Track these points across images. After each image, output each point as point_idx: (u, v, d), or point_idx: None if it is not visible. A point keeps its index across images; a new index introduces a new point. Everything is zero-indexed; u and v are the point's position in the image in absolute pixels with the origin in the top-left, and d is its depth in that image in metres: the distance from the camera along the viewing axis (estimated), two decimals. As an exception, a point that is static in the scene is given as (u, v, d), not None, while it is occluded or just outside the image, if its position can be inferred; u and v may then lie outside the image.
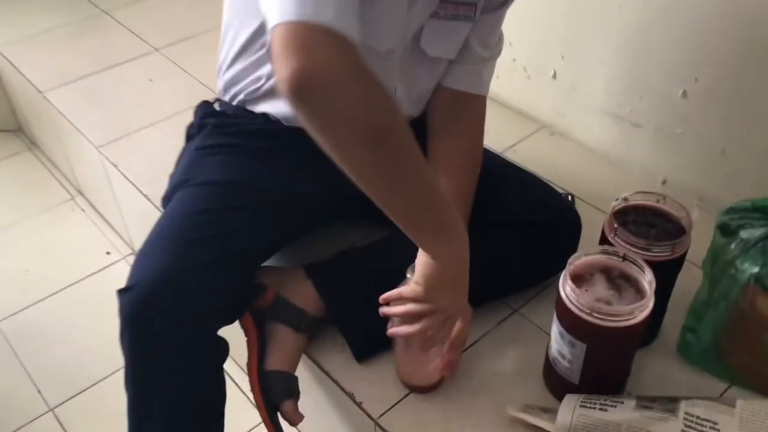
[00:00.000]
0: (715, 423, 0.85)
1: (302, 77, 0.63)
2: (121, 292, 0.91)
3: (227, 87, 1.09)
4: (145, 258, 0.94)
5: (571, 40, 1.38)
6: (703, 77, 1.19)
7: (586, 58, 1.37)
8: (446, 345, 0.96)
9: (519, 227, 1.07)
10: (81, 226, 1.78)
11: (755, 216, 0.95)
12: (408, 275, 0.91)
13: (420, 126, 1.11)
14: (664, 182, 1.34)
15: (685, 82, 1.22)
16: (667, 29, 1.21)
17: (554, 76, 1.45)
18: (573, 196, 1.30)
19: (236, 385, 1.30)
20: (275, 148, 1.05)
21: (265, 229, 1.01)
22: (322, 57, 0.64)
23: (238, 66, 1.05)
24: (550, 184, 1.18)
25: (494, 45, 1.07)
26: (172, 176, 1.12)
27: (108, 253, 1.70)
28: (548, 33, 1.42)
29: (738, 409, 0.86)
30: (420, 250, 0.88)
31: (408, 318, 0.92)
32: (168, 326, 0.90)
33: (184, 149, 1.15)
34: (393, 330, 0.94)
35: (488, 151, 1.19)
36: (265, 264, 1.07)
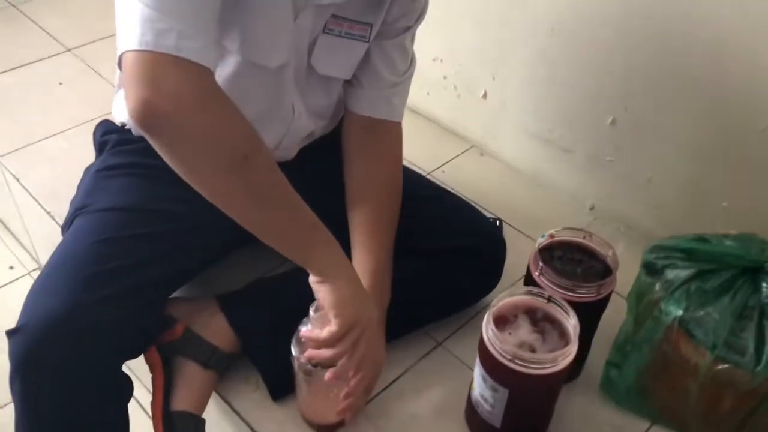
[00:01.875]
0: (637, 472, 0.83)
1: (147, 109, 0.63)
2: (11, 334, 0.83)
3: (119, 106, 1.02)
4: (37, 295, 0.85)
5: (502, 61, 1.35)
6: (633, 107, 1.18)
7: (518, 80, 1.34)
8: (344, 391, 0.91)
9: (443, 253, 1.04)
10: (-17, 238, 1.65)
11: (679, 256, 0.93)
12: (311, 313, 0.86)
13: (331, 144, 1.08)
14: (592, 208, 1.33)
15: (615, 110, 1.20)
16: (598, 57, 1.19)
17: (485, 95, 1.42)
18: (501, 221, 1.27)
19: (148, 416, 1.21)
20: None
21: (171, 257, 0.94)
22: (166, 88, 0.63)
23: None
24: (478, 207, 1.15)
25: (403, 70, 1.04)
26: (72, 200, 1.03)
27: (11, 267, 1.58)
28: (479, 52, 1.39)
29: (659, 457, 0.84)
30: (313, 284, 0.86)
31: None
32: (64, 371, 0.82)
33: (86, 170, 1.07)
34: (332, 373, 0.88)
35: (413, 172, 1.15)
36: (173, 294, 1.00)
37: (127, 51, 0.65)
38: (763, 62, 1.00)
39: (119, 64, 0.68)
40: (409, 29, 1.01)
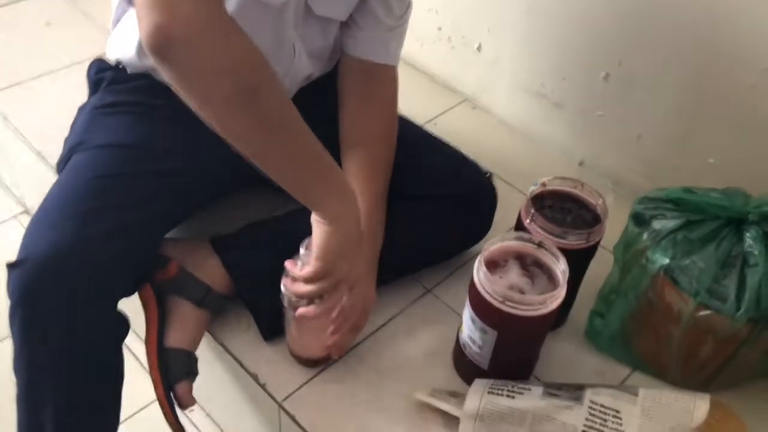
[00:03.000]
0: (618, 411, 0.86)
1: (161, 33, 0.62)
2: (11, 267, 0.83)
3: (117, 45, 1.00)
4: (38, 229, 0.86)
5: (497, 14, 1.35)
6: (627, 61, 1.19)
7: (512, 34, 1.34)
8: (331, 327, 0.93)
9: (434, 198, 1.05)
10: (-33, 180, 1.63)
11: (668, 207, 0.96)
12: (302, 250, 0.87)
13: (326, 86, 1.07)
14: (581, 163, 1.34)
15: (609, 65, 1.21)
16: (593, 11, 1.20)
17: (479, 48, 1.42)
18: (491, 173, 1.28)
19: (135, 358, 1.23)
20: (179, 107, 0.97)
21: (169, 196, 0.94)
22: (180, 13, 0.62)
23: (125, 22, 0.97)
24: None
25: (400, 14, 1.03)
26: (67, 138, 1.02)
27: (-4, 210, 1.57)
28: (475, 4, 1.38)
29: (640, 398, 0.87)
30: (314, 221, 0.84)
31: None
32: (64, 303, 0.83)
33: (80, 109, 1.06)
34: (302, 311, 0.90)
35: (405, 120, 1.16)
36: (168, 235, 1.00)
37: None
38: (753, 19, 1.01)
39: None
40: None
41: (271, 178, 0.77)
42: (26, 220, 1.49)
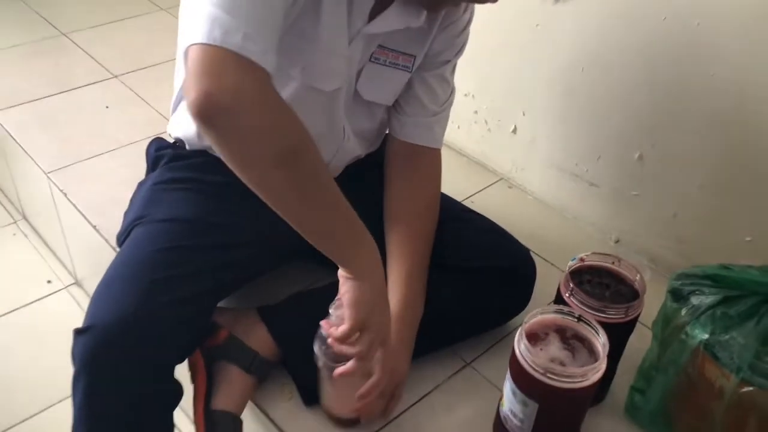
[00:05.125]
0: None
1: (207, 101, 0.66)
2: (78, 333, 0.87)
3: (179, 123, 1.07)
4: (103, 298, 0.90)
5: (532, 97, 1.41)
6: (660, 142, 1.22)
7: (547, 115, 1.40)
8: (358, 393, 0.94)
9: (475, 270, 1.08)
10: (22, 251, 1.71)
11: (705, 283, 0.97)
12: (331, 310, 0.90)
13: (370, 163, 1.13)
14: (617, 241, 1.36)
15: (642, 146, 1.25)
16: (625, 95, 1.25)
17: (514, 130, 1.47)
18: (528, 250, 1.31)
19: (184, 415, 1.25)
20: (237, 183, 1.03)
21: (226, 269, 0.99)
22: (227, 81, 0.67)
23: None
24: (507, 233, 1.19)
25: (444, 100, 1.10)
26: (127, 213, 1.08)
27: (49, 281, 1.62)
28: (511, 88, 1.45)
29: (684, 476, 0.87)
30: (342, 278, 0.87)
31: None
32: (128, 372, 0.86)
33: (140, 184, 1.12)
34: (340, 370, 0.92)
35: (446, 196, 1.20)
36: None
37: (193, 44, 0.68)
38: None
39: (184, 58, 0.71)
40: (450, 62, 1.07)
41: (301, 233, 0.80)
42: (76, 292, 1.56)
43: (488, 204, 1.46)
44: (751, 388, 0.89)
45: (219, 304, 1.04)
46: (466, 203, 1.45)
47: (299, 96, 0.94)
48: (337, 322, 0.90)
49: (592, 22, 1.24)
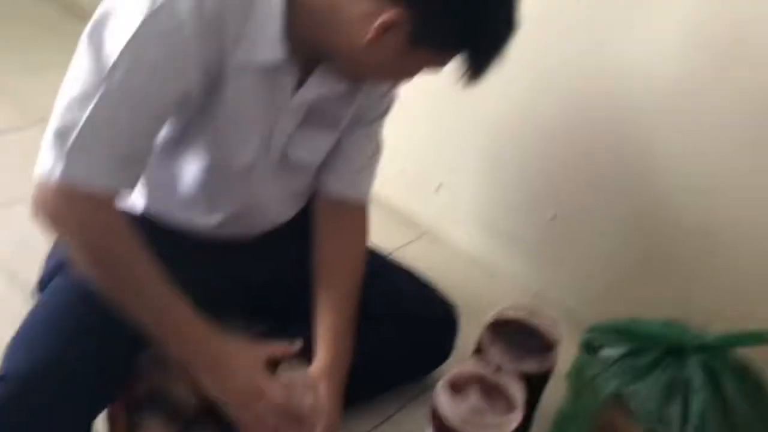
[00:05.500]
0: None
1: (35, 203, 0.83)
2: None
3: None
4: (18, 348, 0.89)
5: (455, 157, 1.48)
6: (572, 204, 1.31)
7: (468, 174, 1.47)
8: None
9: (399, 322, 1.10)
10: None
11: (615, 336, 1.02)
12: None
13: (299, 224, 1.13)
14: (534, 296, 1.42)
15: (556, 207, 1.33)
16: (541, 162, 1.34)
17: (438, 188, 1.53)
18: (451, 303, 1.35)
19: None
20: (159, 239, 1.03)
21: None
22: (68, 210, 0.83)
23: None
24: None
25: (370, 155, 1.12)
26: (48, 259, 1.06)
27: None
28: (435, 147, 1.51)
29: None
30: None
31: None
32: (40, 421, 0.84)
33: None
34: None
35: (372, 249, 1.22)
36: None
37: (42, 173, 0.81)
38: (681, 179, 1.14)
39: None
40: (377, 120, 1.10)
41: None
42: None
43: (413, 258, 1.49)
44: (656, 436, 0.94)
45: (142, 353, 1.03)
46: (393, 257, 1.49)
47: (211, 173, 0.96)
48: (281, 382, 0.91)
49: (514, 92, 1.32)
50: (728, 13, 1.05)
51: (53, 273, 0.99)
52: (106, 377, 0.90)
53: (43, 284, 1.01)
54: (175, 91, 0.84)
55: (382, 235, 1.52)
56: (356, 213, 1.14)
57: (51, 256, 1.06)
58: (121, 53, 0.80)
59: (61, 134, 0.82)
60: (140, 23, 0.79)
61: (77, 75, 0.83)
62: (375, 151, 1.13)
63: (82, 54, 0.83)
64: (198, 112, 0.89)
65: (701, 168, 1.13)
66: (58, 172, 0.81)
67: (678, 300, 1.20)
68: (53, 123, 0.83)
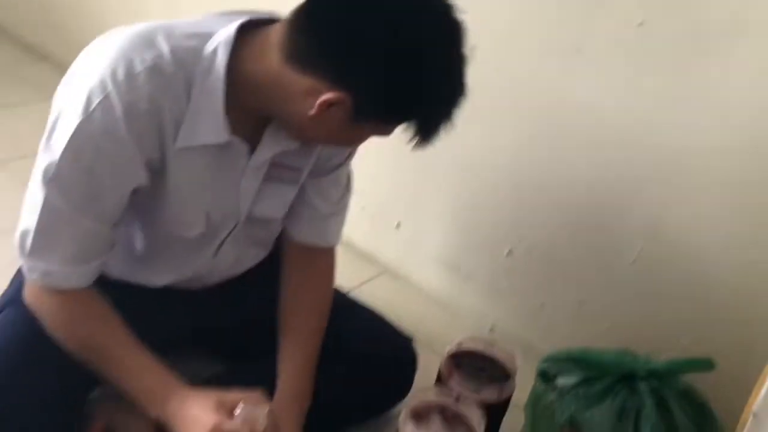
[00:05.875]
0: None
1: (32, 309, 0.93)
2: None
3: None
4: None
5: (415, 196, 1.53)
6: (526, 240, 1.36)
7: (427, 213, 1.52)
8: None
9: (359, 359, 1.12)
10: None
11: (569, 365, 1.07)
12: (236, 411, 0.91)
13: (260, 268, 1.15)
14: (491, 329, 1.47)
15: (511, 242, 1.38)
16: (496, 199, 1.39)
17: (398, 226, 1.58)
18: (412, 338, 1.38)
19: None
20: (120, 291, 1.04)
21: None
22: (36, 300, 0.93)
23: None
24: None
25: (337, 200, 1.12)
26: (4, 293, 1.06)
27: None
28: (395, 187, 1.56)
29: None
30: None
31: None
32: None
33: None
34: None
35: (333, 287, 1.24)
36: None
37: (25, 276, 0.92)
38: (632, 208, 1.21)
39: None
40: (342, 165, 1.09)
41: None
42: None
43: (374, 294, 1.52)
44: (610, 461, 0.98)
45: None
46: (354, 293, 1.51)
47: (160, 242, 1.00)
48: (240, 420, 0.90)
49: (469, 132, 1.38)
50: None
51: (4, 307, 1.00)
52: (54, 419, 0.91)
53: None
54: (120, 190, 0.88)
55: (345, 272, 1.54)
56: (323, 256, 1.15)
57: (6, 291, 1.06)
58: (60, 159, 0.83)
59: (22, 238, 0.89)
60: (76, 127, 0.81)
61: (34, 176, 0.86)
62: (342, 194, 1.13)
63: (39, 155, 0.86)
64: (144, 194, 0.91)
65: (652, 204, 1.19)
66: (25, 271, 0.91)
67: (631, 330, 1.26)
68: (20, 223, 0.89)
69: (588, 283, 1.30)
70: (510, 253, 1.39)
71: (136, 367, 0.93)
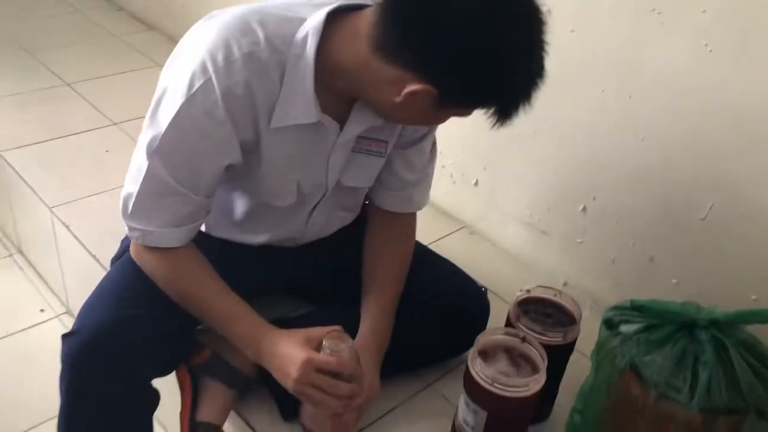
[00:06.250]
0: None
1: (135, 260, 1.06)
2: (65, 336, 1.00)
3: None
4: (90, 307, 1.03)
5: (493, 155, 1.60)
6: (600, 197, 1.41)
7: (505, 171, 1.58)
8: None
9: (436, 307, 1.21)
10: (17, 282, 1.82)
11: (633, 314, 1.13)
12: (324, 344, 1.01)
13: (355, 227, 1.26)
14: (565, 284, 1.53)
15: (586, 199, 1.43)
16: (572, 155, 1.44)
17: (476, 183, 1.65)
18: (486, 289, 1.46)
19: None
20: (218, 247, 1.16)
21: None
22: (146, 263, 1.05)
23: None
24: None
25: (421, 169, 1.19)
26: (123, 240, 1.21)
27: (42, 310, 1.74)
28: (474, 147, 1.63)
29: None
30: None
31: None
32: (107, 373, 0.98)
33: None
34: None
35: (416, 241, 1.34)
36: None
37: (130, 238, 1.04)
38: (700, 166, 1.24)
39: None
40: (426, 136, 1.16)
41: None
42: (68, 320, 1.67)
43: (452, 248, 1.61)
44: (667, 401, 1.04)
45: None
46: (432, 246, 1.60)
47: (256, 209, 1.11)
48: (327, 353, 1.01)
49: (545, 93, 1.43)
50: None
51: (125, 250, 1.14)
52: (162, 339, 1.03)
53: (117, 259, 1.17)
54: (216, 166, 0.97)
55: (425, 227, 1.62)
56: (406, 219, 1.24)
57: (126, 237, 1.21)
58: (163, 134, 0.92)
59: (125, 201, 1.00)
60: (179, 107, 0.90)
61: (139, 146, 0.97)
62: (427, 163, 1.20)
63: (144, 129, 0.96)
64: (239, 170, 1.02)
65: (722, 161, 1.22)
66: (126, 231, 1.02)
67: (699, 285, 1.29)
68: (124, 187, 1.00)
69: (658, 239, 1.34)
70: (584, 209, 1.44)
71: (231, 316, 1.05)
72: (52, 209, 1.60)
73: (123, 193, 1.00)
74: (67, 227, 1.55)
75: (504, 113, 0.89)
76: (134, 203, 0.98)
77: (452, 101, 0.89)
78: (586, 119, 1.38)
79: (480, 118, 1.58)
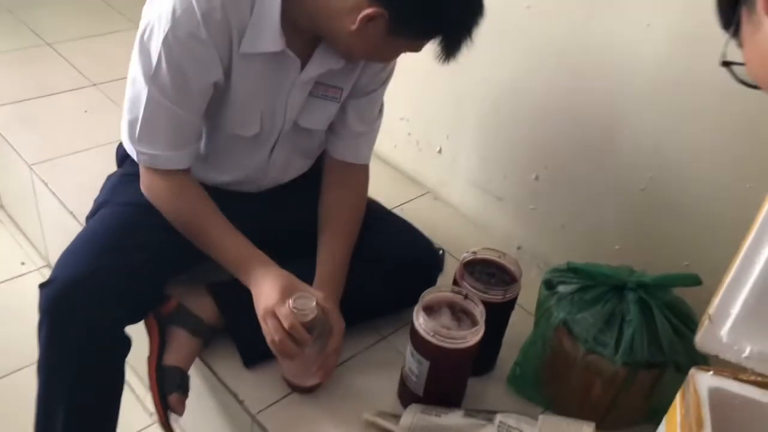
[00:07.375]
0: (521, 430, 1.09)
1: (145, 190, 1.17)
2: (42, 286, 1.08)
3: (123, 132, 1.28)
4: (66, 258, 1.11)
5: (455, 124, 1.67)
6: (551, 166, 1.49)
7: (466, 140, 1.66)
8: (323, 355, 1.15)
9: (389, 260, 1.29)
10: (-1, 236, 1.89)
11: (570, 275, 1.22)
12: (290, 301, 1.10)
13: (312, 175, 1.35)
14: (519, 248, 1.62)
15: (538, 168, 1.51)
16: (525, 128, 1.52)
17: (440, 151, 1.73)
18: (444, 251, 1.55)
19: (131, 389, 1.44)
20: None
21: (170, 246, 1.17)
22: (152, 186, 1.16)
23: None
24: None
25: (371, 121, 1.29)
26: (97, 198, 1.29)
27: (23, 263, 1.81)
28: (438, 115, 1.70)
29: (539, 422, 1.11)
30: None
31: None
32: (81, 319, 1.06)
33: (109, 176, 1.33)
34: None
35: (375, 201, 1.42)
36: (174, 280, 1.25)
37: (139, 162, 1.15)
38: (642, 138, 1.32)
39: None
40: (376, 91, 1.26)
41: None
42: (47, 273, 1.74)
43: (416, 212, 1.69)
44: (594, 356, 1.13)
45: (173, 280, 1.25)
46: (398, 210, 1.69)
47: (228, 141, 1.20)
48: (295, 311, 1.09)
49: (500, 64, 1.50)
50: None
51: (99, 207, 1.22)
52: (134, 288, 1.11)
53: (90, 217, 1.24)
54: (204, 83, 1.08)
55: (391, 192, 1.74)
56: (356, 172, 1.32)
57: (99, 195, 1.29)
58: (157, 60, 1.03)
59: (131, 127, 1.11)
60: (166, 32, 1.01)
61: (134, 77, 1.08)
62: (375, 117, 1.30)
63: (134, 60, 1.07)
64: (214, 97, 1.12)
65: (658, 134, 1.30)
66: (136, 156, 1.14)
67: (640, 252, 1.38)
68: (125, 114, 1.11)
69: (603, 206, 1.42)
70: (537, 178, 1.52)
71: (229, 240, 1.16)
72: (32, 167, 1.66)
73: (125, 120, 1.14)
74: (46, 184, 1.61)
75: (449, 47, 1.01)
76: (140, 128, 1.09)
77: (402, 28, 0.99)
78: (541, 93, 1.46)
79: (444, 87, 1.66)
